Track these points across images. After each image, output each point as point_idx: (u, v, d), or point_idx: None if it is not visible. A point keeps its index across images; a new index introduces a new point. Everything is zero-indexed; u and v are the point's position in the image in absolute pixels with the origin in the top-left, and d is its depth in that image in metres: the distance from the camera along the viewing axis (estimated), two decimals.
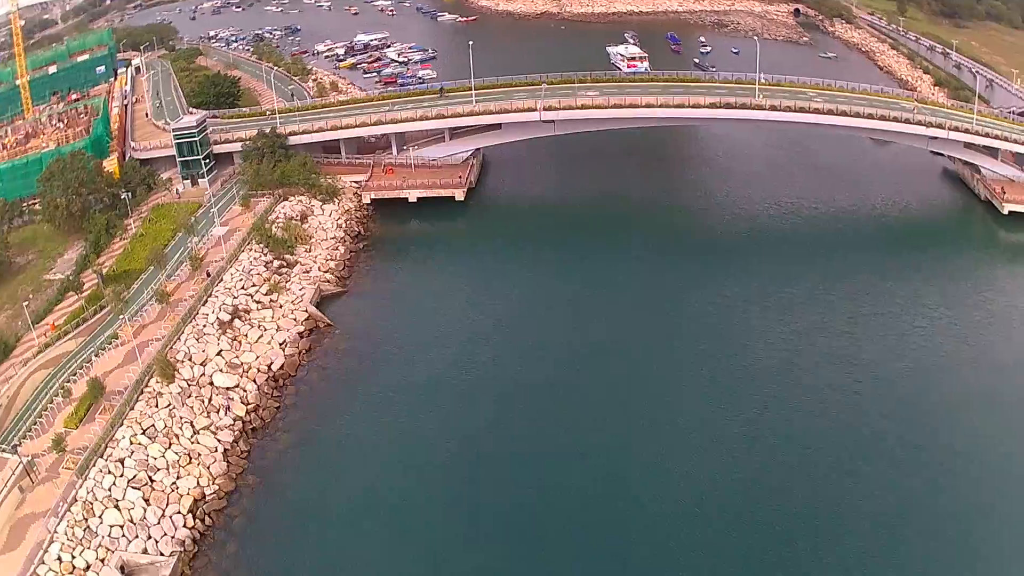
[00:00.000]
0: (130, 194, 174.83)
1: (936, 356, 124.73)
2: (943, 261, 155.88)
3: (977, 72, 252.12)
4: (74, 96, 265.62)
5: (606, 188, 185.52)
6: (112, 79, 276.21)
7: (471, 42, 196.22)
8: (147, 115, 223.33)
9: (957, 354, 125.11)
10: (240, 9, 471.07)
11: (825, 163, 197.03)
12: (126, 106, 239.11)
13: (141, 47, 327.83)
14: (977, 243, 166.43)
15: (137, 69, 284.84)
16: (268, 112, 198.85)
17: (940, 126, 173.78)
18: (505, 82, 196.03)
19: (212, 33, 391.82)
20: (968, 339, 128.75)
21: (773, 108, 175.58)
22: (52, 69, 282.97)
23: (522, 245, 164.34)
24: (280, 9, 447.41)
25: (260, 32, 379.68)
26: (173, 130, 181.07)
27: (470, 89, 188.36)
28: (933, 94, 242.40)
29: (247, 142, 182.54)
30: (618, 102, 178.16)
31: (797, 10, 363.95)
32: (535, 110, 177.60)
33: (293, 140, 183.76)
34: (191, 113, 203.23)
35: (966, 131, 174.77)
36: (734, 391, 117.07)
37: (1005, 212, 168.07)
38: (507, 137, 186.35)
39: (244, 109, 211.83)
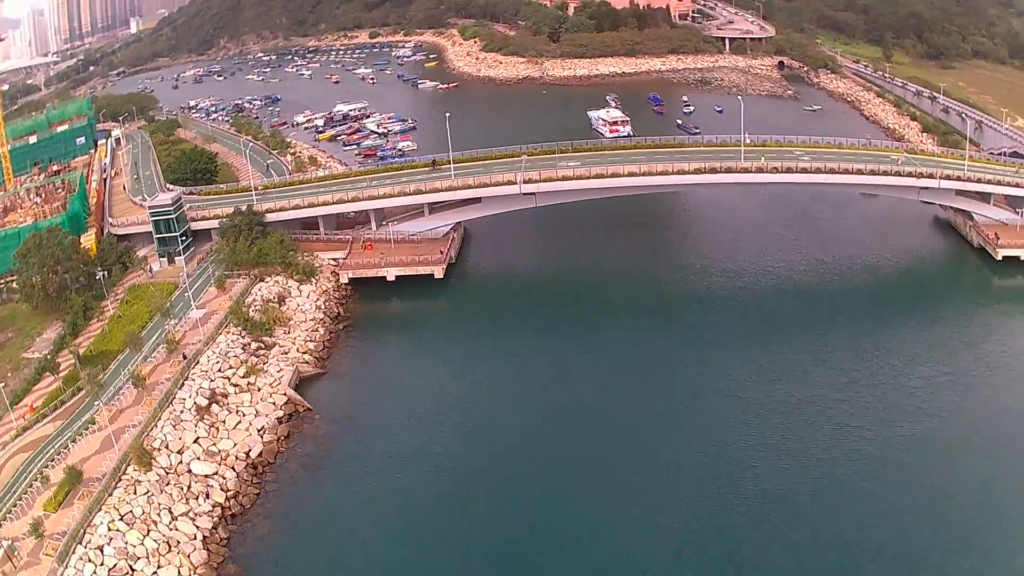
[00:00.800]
0: (106, 273, 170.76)
1: (933, 419, 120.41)
2: (938, 314, 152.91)
3: (965, 114, 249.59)
4: (55, 167, 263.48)
5: (591, 257, 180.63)
6: (92, 150, 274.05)
7: (447, 113, 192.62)
8: (125, 189, 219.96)
9: (956, 415, 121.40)
10: (221, 78, 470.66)
11: (813, 219, 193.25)
12: (105, 180, 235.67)
13: (120, 118, 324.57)
14: (972, 292, 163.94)
15: (117, 141, 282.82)
16: (258, 187, 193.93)
17: (931, 176, 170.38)
18: (484, 155, 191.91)
19: (192, 103, 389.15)
20: (967, 397, 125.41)
21: (759, 170, 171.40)
22: (32, 139, 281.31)
23: (504, 321, 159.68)
24: (261, 78, 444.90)
25: (240, 102, 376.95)
26: (149, 207, 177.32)
27: (449, 163, 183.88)
28: (921, 141, 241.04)
29: (224, 219, 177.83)
30: (600, 172, 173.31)
31: (781, 63, 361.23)
32: (515, 183, 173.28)
33: (270, 217, 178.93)
34: (169, 189, 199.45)
35: (957, 178, 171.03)
36: (725, 461, 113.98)
37: (999, 258, 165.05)
38: (487, 210, 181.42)
39: (221, 185, 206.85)
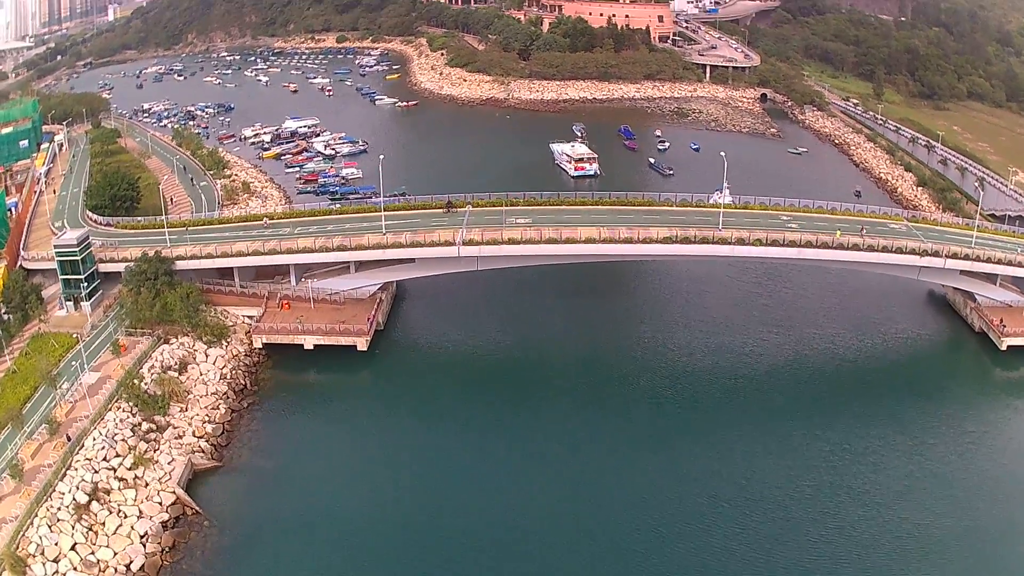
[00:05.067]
0: (9, 317, 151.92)
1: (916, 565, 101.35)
2: (931, 416, 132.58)
3: (965, 168, 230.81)
4: None
5: (542, 326, 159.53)
6: (36, 154, 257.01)
7: (382, 156, 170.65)
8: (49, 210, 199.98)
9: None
10: (182, 78, 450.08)
11: (796, 293, 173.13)
12: (37, 192, 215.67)
13: (64, 122, 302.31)
14: (971, 388, 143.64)
15: (60, 146, 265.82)
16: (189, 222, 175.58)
17: (936, 253, 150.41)
18: (423, 203, 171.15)
19: (146, 106, 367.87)
20: (961, 538, 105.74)
21: (740, 242, 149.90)
22: None
23: (437, 405, 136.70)
24: (219, 82, 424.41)
25: (192, 108, 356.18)
26: (54, 245, 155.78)
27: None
28: (916, 196, 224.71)
29: (130, 264, 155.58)
30: (552, 236, 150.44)
31: (764, 95, 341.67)
32: (453, 244, 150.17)
33: (181, 265, 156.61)
34: (88, 219, 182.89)
35: (964, 257, 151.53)
36: None
37: (1003, 347, 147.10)
38: (422, 271, 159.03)
39: (139, 219, 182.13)
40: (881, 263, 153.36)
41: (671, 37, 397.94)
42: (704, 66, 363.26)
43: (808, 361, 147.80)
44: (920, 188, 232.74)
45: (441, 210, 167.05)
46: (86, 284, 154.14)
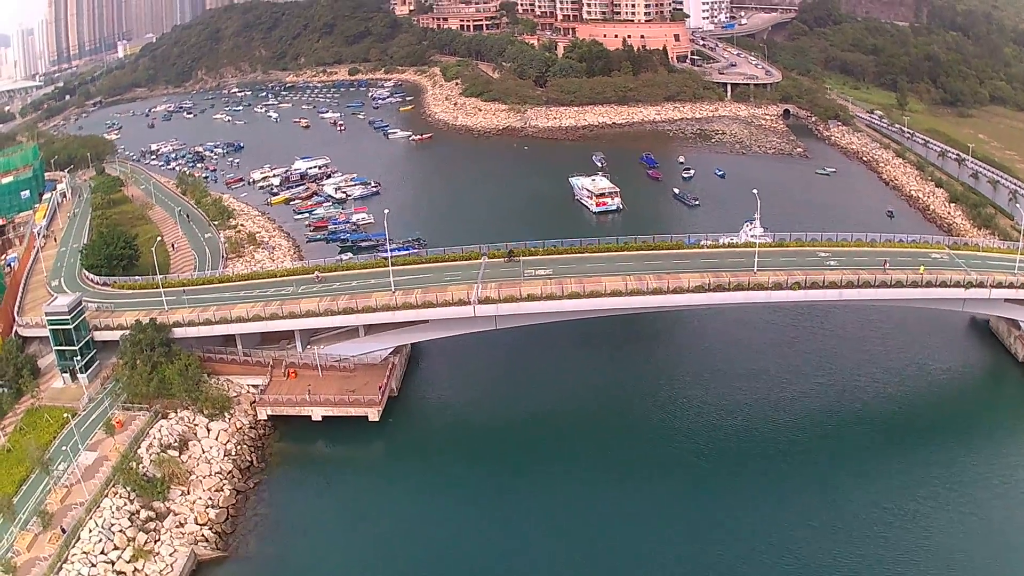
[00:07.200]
0: (2, 391, 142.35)
1: None
2: (980, 468, 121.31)
3: (998, 180, 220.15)
4: None
5: (569, 391, 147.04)
6: (36, 205, 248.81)
7: (387, 210, 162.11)
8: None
9: None
10: (191, 116, 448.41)
11: (835, 333, 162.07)
12: (36, 249, 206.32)
13: (67, 168, 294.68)
14: (1014, 423, 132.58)
15: (63, 195, 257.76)
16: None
17: (981, 284, 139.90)
18: (435, 256, 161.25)
19: (154, 147, 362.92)
20: None
21: (777, 287, 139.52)
22: None
23: (454, 480, 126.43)
24: (229, 119, 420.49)
25: (201, 149, 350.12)
26: (45, 313, 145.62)
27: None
28: (948, 213, 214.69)
29: (126, 332, 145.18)
30: (575, 289, 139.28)
31: (787, 111, 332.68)
32: (468, 303, 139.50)
33: (179, 332, 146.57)
34: (85, 280, 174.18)
35: (1010, 285, 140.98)
36: None
37: None
38: (435, 332, 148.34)
39: (137, 278, 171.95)
40: (925, 298, 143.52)
41: (689, 56, 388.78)
42: (725, 84, 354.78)
43: (849, 411, 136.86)
44: (953, 204, 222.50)
45: (454, 262, 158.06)
46: (79, 357, 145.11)
